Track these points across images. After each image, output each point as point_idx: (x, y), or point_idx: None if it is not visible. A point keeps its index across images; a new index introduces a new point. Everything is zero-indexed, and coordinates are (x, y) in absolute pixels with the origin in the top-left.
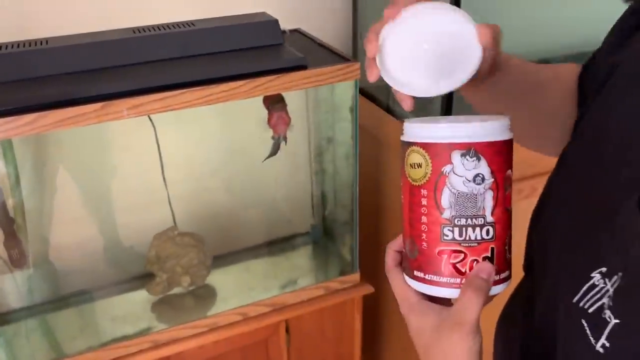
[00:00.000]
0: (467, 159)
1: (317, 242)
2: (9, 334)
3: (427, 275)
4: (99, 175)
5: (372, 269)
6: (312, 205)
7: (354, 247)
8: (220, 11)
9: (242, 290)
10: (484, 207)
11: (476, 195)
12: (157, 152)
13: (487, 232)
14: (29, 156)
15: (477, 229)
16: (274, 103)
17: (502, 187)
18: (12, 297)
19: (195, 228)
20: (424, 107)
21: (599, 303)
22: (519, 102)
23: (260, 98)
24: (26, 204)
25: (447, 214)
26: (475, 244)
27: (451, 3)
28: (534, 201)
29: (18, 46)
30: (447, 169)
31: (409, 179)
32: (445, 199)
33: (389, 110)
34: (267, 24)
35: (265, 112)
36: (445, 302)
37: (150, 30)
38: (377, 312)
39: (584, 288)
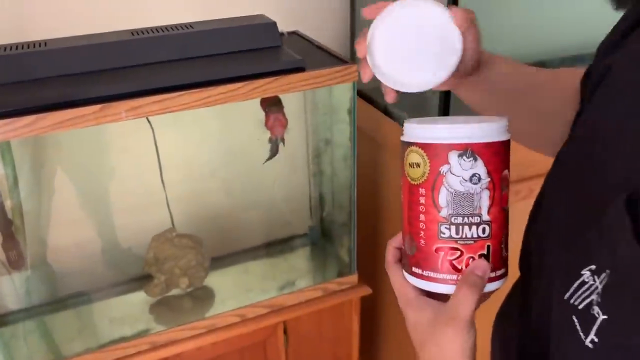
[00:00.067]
0: (464, 159)
1: (315, 244)
2: (6, 335)
3: (424, 272)
4: (97, 176)
5: (369, 270)
6: (310, 206)
7: (352, 249)
8: (219, 13)
9: (240, 292)
10: (480, 206)
11: (473, 195)
12: (155, 154)
13: (483, 230)
14: (27, 158)
15: (474, 227)
16: (271, 105)
17: (499, 187)
18: (10, 299)
19: (194, 230)
20: (422, 107)
21: (588, 299)
22: (514, 102)
23: (258, 100)
24: (24, 205)
25: (444, 213)
26: (472, 242)
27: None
28: (531, 202)
29: (17, 48)
30: (444, 168)
31: (408, 178)
32: (443, 197)
33: (386, 112)
34: (265, 26)
35: (263, 114)
36: (442, 298)
37: (148, 33)
38: (375, 313)
39: (575, 285)
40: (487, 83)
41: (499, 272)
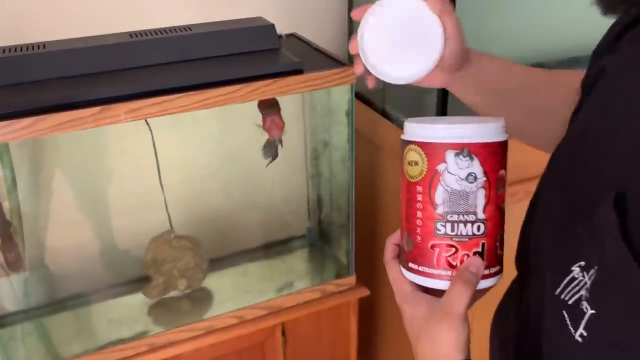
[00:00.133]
0: (460, 159)
1: (313, 245)
2: (4, 337)
3: (420, 267)
4: (95, 178)
5: (367, 272)
6: (309, 208)
7: (350, 250)
8: (217, 16)
9: (239, 293)
10: (475, 205)
11: (468, 193)
12: (153, 156)
13: (478, 228)
14: (26, 159)
15: (469, 225)
16: (267, 107)
17: (495, 186)
18: (8, 301)
19: (192, 231)
20: (421, 109)
21: (578, 295)
22: (510, 101)
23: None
24: (23, 207)
25: (440, 210)
26: (467, 239)
27: None
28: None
29: (15, 50)
30: (441, 167)
31: (406, 175)
32: (439, 195)
33: (384, 114)
34: (263, 28)
35: (261, 116)
36: (438, 293)
37: (147, 35)
38: (373, 314)
39: (565, 281)
40: (480, 80)
41: (493, 270)
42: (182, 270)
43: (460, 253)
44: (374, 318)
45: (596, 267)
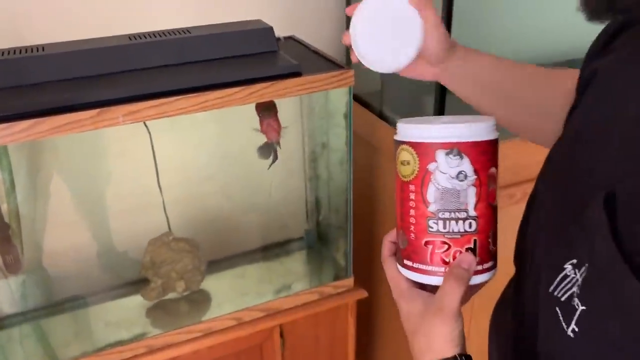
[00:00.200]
0: (450, 158)
1: (312, 247)
2: (2, 339)
3: (415, 264)
4: (94, 180)
5: (365, 273)
6: (307, 210)
7: (348, 252)
8: (216, 18)
9: (237, 295)
10: (466, 202)
11: (459, 191)
12: (152, 158)
13: (470, 225)
14: (24, 161)
15: (460, 222)
16: (265, 110)
17: (485, 184)
18: (6, 303)
19: (190, 233)
20: (419, 110)
21: (570, 292)
22: (499, 94)
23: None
24: (21, 209)
25: (432, 208)
26: (459, 236)
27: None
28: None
29: (14, 52)
30: (432, 166)
31: (399, 175)
32: (431, 194)
33: (382, 116)
34: (262, 31)
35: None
36: (433, 290)
37: (146, 37)
38: (371, 316)
39: (558, 278)
40: (469, 73)
41: (486, 265)
42: (181, 272)
43: (453, 249)
44: (372, 320)
45: (587, 265)
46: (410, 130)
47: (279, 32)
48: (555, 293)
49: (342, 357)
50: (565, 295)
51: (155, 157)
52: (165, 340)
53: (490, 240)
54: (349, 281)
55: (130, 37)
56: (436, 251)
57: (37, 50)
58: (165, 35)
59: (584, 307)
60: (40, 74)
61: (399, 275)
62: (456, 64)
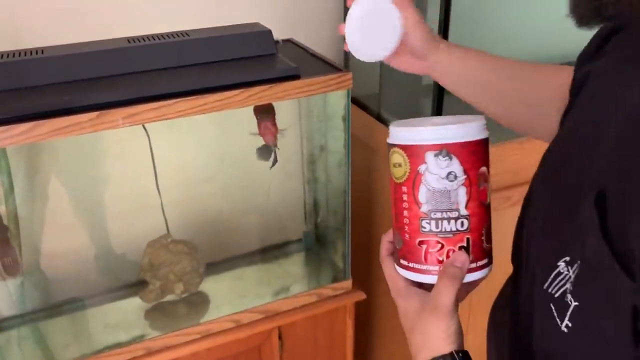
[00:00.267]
0: (439, 159)
1: (310, 249)
2: (1, 342)
3: (410, 264)
4: (92, 183)
5: (364, 275)
6: (305, 212)
7: (346, 254)
8: (215, 21)
9: (235, 297)
10: (457, 202)
11: (450, 191)
12: (150, 160)
13: (462, 224)
14: (23, 164)
15: (452, 222)
16: (262, 113)
17: (476, 183)
18: (4, 305)
19: (189, 235)
20: (417, 111)
21: (563, 288)
22: (487, 88)
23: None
24: (20, 211)
25: (424, 208)
26: (451, 235)
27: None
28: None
29: (14, 55)
30: (422, 167)
31: (392, 177)
32: (422, 194)
33: (380, 119)
34: (260, 34)
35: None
36: (430, 288)
37: (145, 40)
38: (369, 318)
39: (552, 275)
40: (457, 67)
41: (480, 263)
42: (179, 274)
43: (446, 248)
44: (370, 321)
45: (579, 262)
46: (400, 133)
47: (278, 35)
48: (550, 290)
49: (341, 358)
50: (559, 292)
51: (153, 160)
52: (164, 342)
53: (483, 238)
54: (347, 283)
55: (129, 39)
56: (430, 250)
57: (37, 53)
58: (164, 38)
59: (576, 303)
60: (39, 77)
61: (396, 275)
62: (441, 58)
